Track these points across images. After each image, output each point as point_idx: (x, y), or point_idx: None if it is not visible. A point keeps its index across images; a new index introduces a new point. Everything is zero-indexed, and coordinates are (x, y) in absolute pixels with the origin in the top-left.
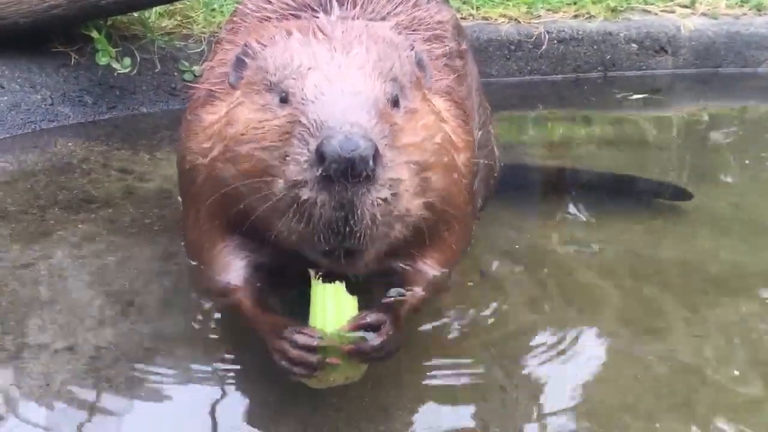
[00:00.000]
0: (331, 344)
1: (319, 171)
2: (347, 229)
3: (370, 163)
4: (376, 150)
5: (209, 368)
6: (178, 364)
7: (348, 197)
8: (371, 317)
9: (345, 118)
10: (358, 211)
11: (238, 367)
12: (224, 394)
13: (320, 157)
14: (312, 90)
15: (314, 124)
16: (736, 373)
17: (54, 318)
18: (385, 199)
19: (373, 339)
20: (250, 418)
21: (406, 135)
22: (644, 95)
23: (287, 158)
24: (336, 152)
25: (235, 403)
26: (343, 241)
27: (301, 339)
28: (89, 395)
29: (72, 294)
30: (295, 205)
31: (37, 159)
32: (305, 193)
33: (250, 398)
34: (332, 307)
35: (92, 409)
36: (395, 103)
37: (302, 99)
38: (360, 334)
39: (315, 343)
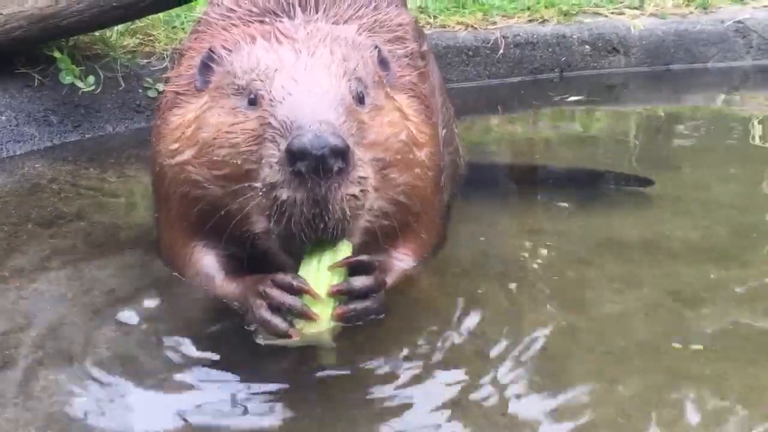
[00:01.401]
0: (313, 290)
1: (291, 169)
2: (322, 224)
3: (341, 158)
4: (347, 146)
5: (188, 376)
6: (157, 373)
7: (321, 194)
8: (363, 257)
9: (314, 117)
10: (332, 206)
11: (219, 374)
12: (203, 402)
13: (291, 156)
14: (279, 91)
15: (284, 125)
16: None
17: (30, 330)
18: (355, 195)
19: (362, 279)
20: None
21: (372, 132)
22: (580, 97)
23: (262, 161)
24: (306, 149)
25: (215, 411)
26: (319, 237)
27: (281, 278)
28: (66, 406)
29: (47, 306)
30: (274, 206)
31: (6, 180)
32: (282, 194)
33: (230, 407)
34: (318, 267)
35: (70, 419)
36: (360, 100)
37: (271, 101)
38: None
39: (296, 282)
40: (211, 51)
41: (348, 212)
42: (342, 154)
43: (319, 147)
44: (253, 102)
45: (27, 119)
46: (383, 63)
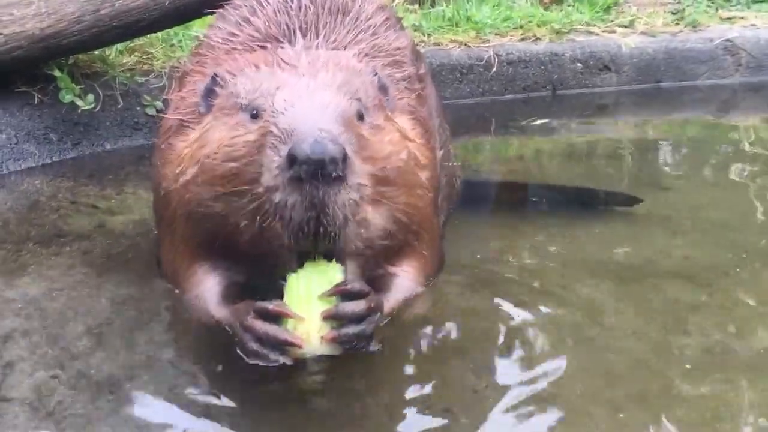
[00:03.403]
0: (292, 312)
1: (290, 173)
2: (321, 229)
3: (340, 164)
4: (345, 152)
5: (188, 395)
6: (157, 392)
7: (319, 197)
8: (355, 285)
9: (314, 125)
10: (330, 211)
11: (217, 393)
12: (203, 419)
13: (291, 160)
14: (282, 103)
15: (285, 132)
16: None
17: (33, 349)
18: (353, 200)
19: (353, 304)
20: None
21: (372, 147)
22: (546, 120)
23: (262, 167)
24: (306, 154)
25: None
26: (317, 242)
27: (260, 306)
28: (69, 426)
29: (50, 325)
30: (270, 209)
31: (6, 198)
32: (277, 197)
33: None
34: (304, 287)
35: None
36: (360, 117)
37: (273, 112)
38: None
39: (272, 307)
40: (216, 76)
41: (349, 217)
42: (341, 160)
43: (319, 152)
44: (256, 116)
45: (27, 137)
46: (383, 88)
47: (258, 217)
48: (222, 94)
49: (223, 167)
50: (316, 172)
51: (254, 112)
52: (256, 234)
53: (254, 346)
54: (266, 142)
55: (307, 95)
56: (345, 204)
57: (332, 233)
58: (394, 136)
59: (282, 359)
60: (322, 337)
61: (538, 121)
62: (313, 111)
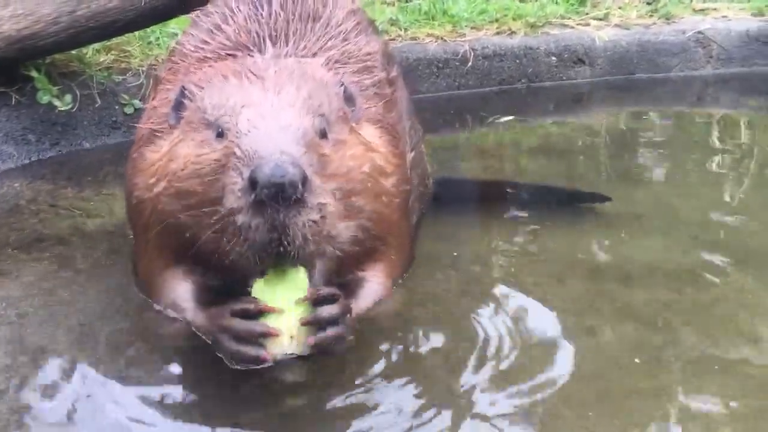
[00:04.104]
0: (269, 306)
1: (252, 197)
2: (281, 249)
3: (299, 187)
4: (305, 175)
5: (171, 397)
6: (140, 396)
7: (280, 220)
8: (324, 290)
9: (275, 148)
10: (290, 233)
11: (200, 395)
12: (186, 422)
13: (253, 183)
14: (245, 124)
15: (247, 155)
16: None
17: (14, 356)
18: (314, 221)
19: (329, 308)
20: None
21: (333, 164)
22: (510, 117)
23: (225, 188)
24: (266, 178)
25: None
26: (279, 262)
27: (238, 306)
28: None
29: (29, 332)
30: (234, 231)
31: None
32: (240, 219)
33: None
34: (270, 292)
35: None
36: (323, 135)
37: (237, 133)
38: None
39: (252, 306)
40: (184, 89)
41: (309, 237)
42: (300, 183)
43: (279, 176)
44: (221, 134)
45: (5, 138)
46: (349, 99)
47: (222, 235)
48: (190, 107)
49: (189, 183)
50: (276, 195)
51: (219, 130)
52: (222, 247)
53: (233, 345)
54: (230, 162)
55: (270, 115)
56: (305, 225)
57: (292, 252)
58: (356, 150)
59: (261, 354)
60: (291, 337)
61: (511, 117)
62: (275, 133)
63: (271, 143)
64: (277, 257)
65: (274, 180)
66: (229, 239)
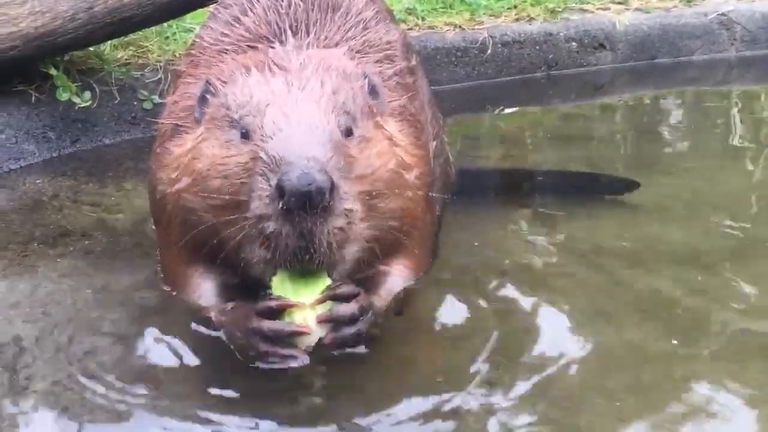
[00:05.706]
0: (293, 301)
1: (281, 205)
2: (307, 256)
3: (327, 195)
4: (332, 183)
5: (196, 394)
6: (167, 392)
7: (307, 227)
8: (343, 288)
9: (302, 153)
10: (317, 240)
11: (225, 393)
12: (210, 420)
13: (281, 191)
14: (270, 127)
15: (274, 160)
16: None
17: (42, 354)
18: (341, 228)
19: (346, 307)
20: None
21: (360, 165)
22: (517, 108)
23: (252, 193)
24: (294, 187)
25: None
26: (304, 267)
27: (263, 306)
28: (78, 429)
29: (56, 328)
30: (262, 237)
31: (9, 198)
32: (270, 226)
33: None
34: (291, 289)
35: None
36: (349, 133)
37: (262, 136)
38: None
39: (275, 304)
40: (208, 83)
41: (334, 245)
42: (328, 191)
43: (306, 184)
44: (246, 135)
45: (26, 137)
46: (373, 91)
47: (247, 238)
48: (214, 103)
49: (215, 183)
50: (304, 203)
51: (244, 131)
52: (247, 251)
53: (265, 346)
54: (256, 167)
55: (295, 115)
56: (331, 232)
57: (318, 259)
58: (382, 147)
59: (294, 353)
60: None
61: (507, 111)
62: (301, 136)
63: (297, 148)
64: (303, 264)
65: (302, 188)
66: (256, 243)
